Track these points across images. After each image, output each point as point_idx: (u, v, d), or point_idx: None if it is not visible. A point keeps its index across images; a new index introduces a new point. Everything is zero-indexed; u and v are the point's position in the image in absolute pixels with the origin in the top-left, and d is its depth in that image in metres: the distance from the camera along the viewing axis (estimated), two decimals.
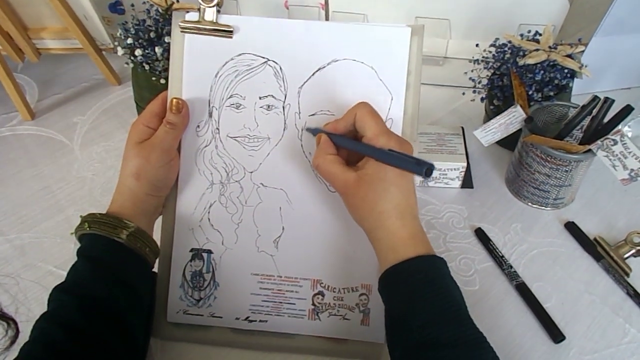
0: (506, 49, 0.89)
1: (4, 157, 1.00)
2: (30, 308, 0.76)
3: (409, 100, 0.67)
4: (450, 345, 0.52)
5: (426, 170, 0.54)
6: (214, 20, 0.66)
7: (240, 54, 0.67)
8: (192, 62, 0.68)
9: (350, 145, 0.62)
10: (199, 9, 0.66)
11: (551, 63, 0.85)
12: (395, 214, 0.58)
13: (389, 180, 0.57)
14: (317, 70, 0.67)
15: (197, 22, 0.66)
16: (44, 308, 0.58)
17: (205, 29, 0.67)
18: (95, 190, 0.93)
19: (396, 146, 0.58)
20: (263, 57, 0.67)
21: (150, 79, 0.88)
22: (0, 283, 0.79)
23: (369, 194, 0.58)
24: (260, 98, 0.68)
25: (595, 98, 0.78)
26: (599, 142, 0.75)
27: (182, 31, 0.67)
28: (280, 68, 0.67)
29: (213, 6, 0.65)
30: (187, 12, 0.83)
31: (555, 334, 0.71)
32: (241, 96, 0.68)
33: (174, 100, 0.66)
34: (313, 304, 0.69)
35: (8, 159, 1.00)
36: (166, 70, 0.84)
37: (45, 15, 1.04)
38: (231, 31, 0.66)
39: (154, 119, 0.66)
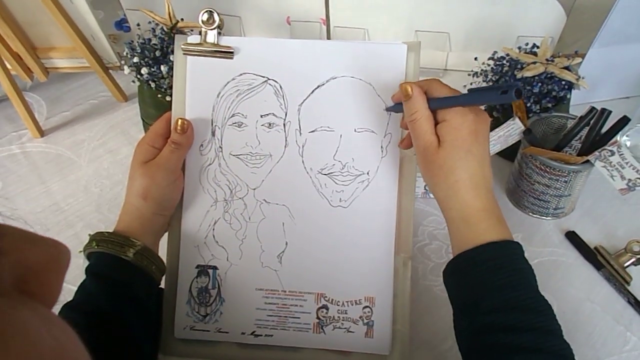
0: (504, 61, 0.90)
1: (14, 174, 1.02)
2: None
3: None
4: (518, 330, 0.52)
5: (515, 92, 0.52)
6: (215, 42, 0.68)
7: (241, 74, 0.69)
8: (195, 83, 0.69)
9: (439, 103, 0.61)
10: (200, 32, 0.68)
11: (549, 75, 0.86)
12: (470, 184, 0.58)
13: (466, 148, 0.57)
14: (316, 88, 0.69)
15: (199, 44, 0.68)
16: None
17: (206, 51, 0.68)
18: (103, 206, 0.95)
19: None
20: (263, 77, 0.69)
21: (156, 96, 0.90)
22: None
23: (447, 162, 0.58)
24: (261, 116, 0.69)
25: (592, 109, 0.80)
26: (596, 152, 0.76)
27: (184, 53, 0.69)
28: (280, 87, 0.69)
29: (214, 29, 0.67)
30: (191, 30, 0.86)
31: None
32: (243, 115, 0.69)
33: (179, 120, 0.67)
34: (317, 318, 0.70)
35: (18, 176, 1.02)
36: (171, 87, 0.86)
37: (53, 35, 1.06)
38: (232, 52, 0.68)
39: (158, 139, 0.67)
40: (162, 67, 0.86)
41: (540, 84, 0.85)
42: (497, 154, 0.88)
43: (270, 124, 0.69)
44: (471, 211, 0.58)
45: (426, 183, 0.62)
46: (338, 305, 0.70)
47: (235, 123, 0.70)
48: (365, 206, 0.69)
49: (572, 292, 0.79)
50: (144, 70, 0.87)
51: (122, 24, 1.20)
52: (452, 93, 0.60)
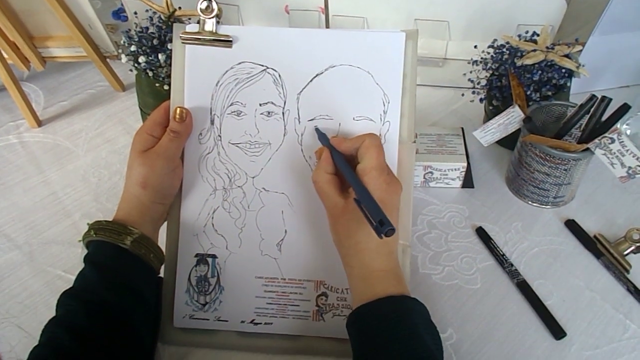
0: (504, 49, 0.90)
1: (12, 164, 1.02)
2: (40, 312, 0.78)
3: (406, 103, 0.69)
4: None
5: (386, 231, 0.54)
6: (214, 31, 0.68)
7: (240, 63, 0.69)
8: (194, 72, 0.69)
9: (342, 169, 0.64)
10: (198, 21, 0.68)
11: (549, 63, 0.86)
12: (371, 247, 0.60)
13: None
14: (315, 77, 0.69)
15: (198, 33, 0.68)
16: (52, 311, 0.59)
17: (205, 40, 0.68)
18: (101, 195, 0.95)
19: (383, 185, 0.60)
20: (262, 65, 0.69)
21: (154, 85, 0.89)
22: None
23: (351, 223, 0.60)
24: (260, 105, 0.69)
25: (592, 97, 0.79)
26: (596, 140, 0.76)
27: (183, 42, 0.69)
28: (279, 75, 0.69)
29: (212, 17, 0.67)
30: (189, 19, 0.85)
31: (557, 331, 0.72)
32: (242, 103, 0.69)
33: (178, 109, 0.67)
34: (317, 305, 0.70)
35: (15, 166, 1.02)
36: (169, 76, 0.85)
37: (50, 25, 1.05)
38: (230, 41, 0.68)
39: (157, 128, 0.67)
40: (160, 56, 0.85)
41: (540, 72, 0.85)
42: (497, 142, 0.87)
43: (269, 113, 0.69)
44: (370, 271, 0.60)
45: (332, 237, 0.64)
46: (337, 292, 0.70)
47: (234, 112, 0.70)
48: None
49: (571, 280, 0.78)
50: (141, 59, 0.86)
51: (119, 14, 1.19)
52: (379, 161, 0.62)
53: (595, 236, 0.83)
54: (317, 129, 0.69)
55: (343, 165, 0.64)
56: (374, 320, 0.57)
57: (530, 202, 0.89)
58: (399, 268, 0.62)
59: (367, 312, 0.58)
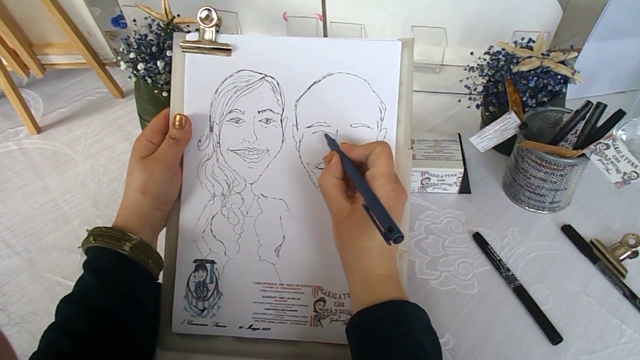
0: (500, 56, 0.91)
1: (11, 171, 1.02)
2: (39, 318, 0.78)
3: (402, 110, 0.70)
4: None
5: (395, 238, 0.54)
6: (213, 40, 0.69)
7: (238, 71, 0.70)
8: (193, 80, 0.70)
9: (352, 175, 0.64)
10: (198, 30, 0.68)
11: (544, 69, 0.86)
12: (374, 252, 0.60)
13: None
14: (312, 84, 0.70)
15: (197, 41, 0.69)
16: (52, 318, 0.60)
17: (205, 48, 0.69)
18: (100, 201, 0.95)
19: (391, 193, 0.60)
20: (261, 73, 0.69)
21: (153, 92, 0.89)
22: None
23: (355, 229, 0.61)
24: (258, 112, 0.70)
25: (588, 103, 0.80)
26: (592, 146, 0.76)
27: (182, 51, 0.70)
28: (278, 83, 0.69)
29: (212, 26, 0.68)
30: (188, 26, 0.86)
31: (553, 336, 0.73)
32: (240, 111, 0.70)
33: (177, 116, 0.68)
34: (315, 311, 0.71)
35: (15, 172, 1.02)
36: (168, 83, 0.86)
37: (49, 32, 1.06)
38: (230, 49, 0.69)
39: (156, 135, 0.68)
40: (159, 63, 0.86)
41: (535, 78, 0.85)
42: (493, 148, 0.88)
43: (267, 120, 0.70)
44: (372, 276, 0.61)
45: (334, 241, 0.65)
46: (335, 297, 0.71)
47: (233, 119, 0.70)
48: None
49: (568, 285, 0.79)
50: (140, 66, 0.87)
51: (118, 21, 1.20)
52: (389, 169, 0.62)
53: (591, 241, 0.83)
54: (326, 135, 0.69)
55: (352, 171, 0.64)
56: (374, 324, 0.58)
57: (526, 208, 0.89)
58: (398, 274, 0.63)
59: (368, 316, 0.58)
